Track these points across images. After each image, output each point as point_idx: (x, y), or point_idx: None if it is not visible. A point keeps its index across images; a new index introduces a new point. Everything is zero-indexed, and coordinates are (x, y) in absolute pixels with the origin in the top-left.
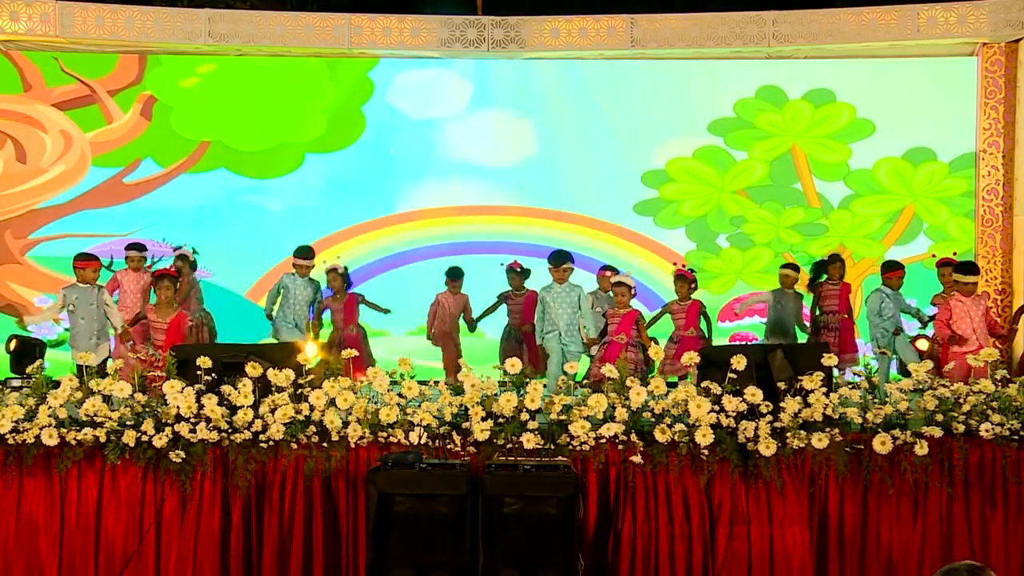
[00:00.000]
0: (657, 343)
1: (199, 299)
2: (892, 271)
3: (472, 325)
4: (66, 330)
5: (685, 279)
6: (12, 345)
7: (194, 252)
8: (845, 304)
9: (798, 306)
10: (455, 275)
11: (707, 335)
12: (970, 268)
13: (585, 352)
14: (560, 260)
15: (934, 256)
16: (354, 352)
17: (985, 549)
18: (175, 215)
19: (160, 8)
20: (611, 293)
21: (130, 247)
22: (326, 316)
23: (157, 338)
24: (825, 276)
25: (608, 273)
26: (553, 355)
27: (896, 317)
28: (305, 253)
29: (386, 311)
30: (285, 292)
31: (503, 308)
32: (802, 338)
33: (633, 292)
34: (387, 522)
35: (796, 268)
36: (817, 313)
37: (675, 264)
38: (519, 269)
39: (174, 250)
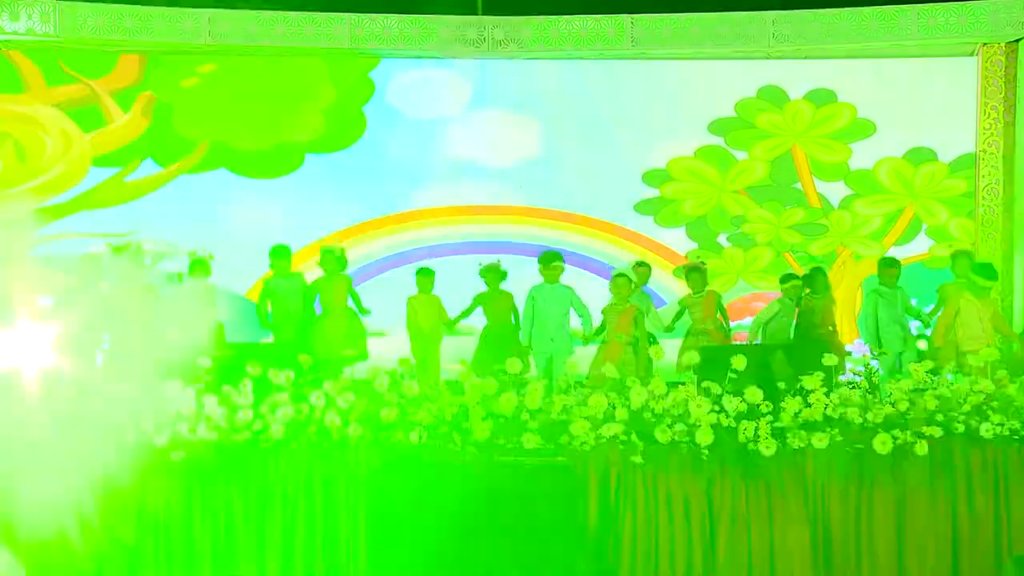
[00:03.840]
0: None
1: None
2: (886, 268)
3: (450, 326)
4: None
5: (701, 271)
6: None
7: (210, 257)
8: (830, 318)
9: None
10: (426, 273)
11: (725, 326)
12: (991, 272)
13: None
14: (548, 259)
15: (955, 248)
16: (354, 352)
17: (986, 549)
18: (175, 215)
19: (161, 8)
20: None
21: None
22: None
23: None
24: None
25: (641, 270)
26: (538, 358)
27: (900, 317)
28: (281, 254)
29: (365, 311)
30: (273, 298)
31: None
32: None
33: (634, 286)
34: (388, 522)
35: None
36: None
37: (689, 261)
38: (501, 267)
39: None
